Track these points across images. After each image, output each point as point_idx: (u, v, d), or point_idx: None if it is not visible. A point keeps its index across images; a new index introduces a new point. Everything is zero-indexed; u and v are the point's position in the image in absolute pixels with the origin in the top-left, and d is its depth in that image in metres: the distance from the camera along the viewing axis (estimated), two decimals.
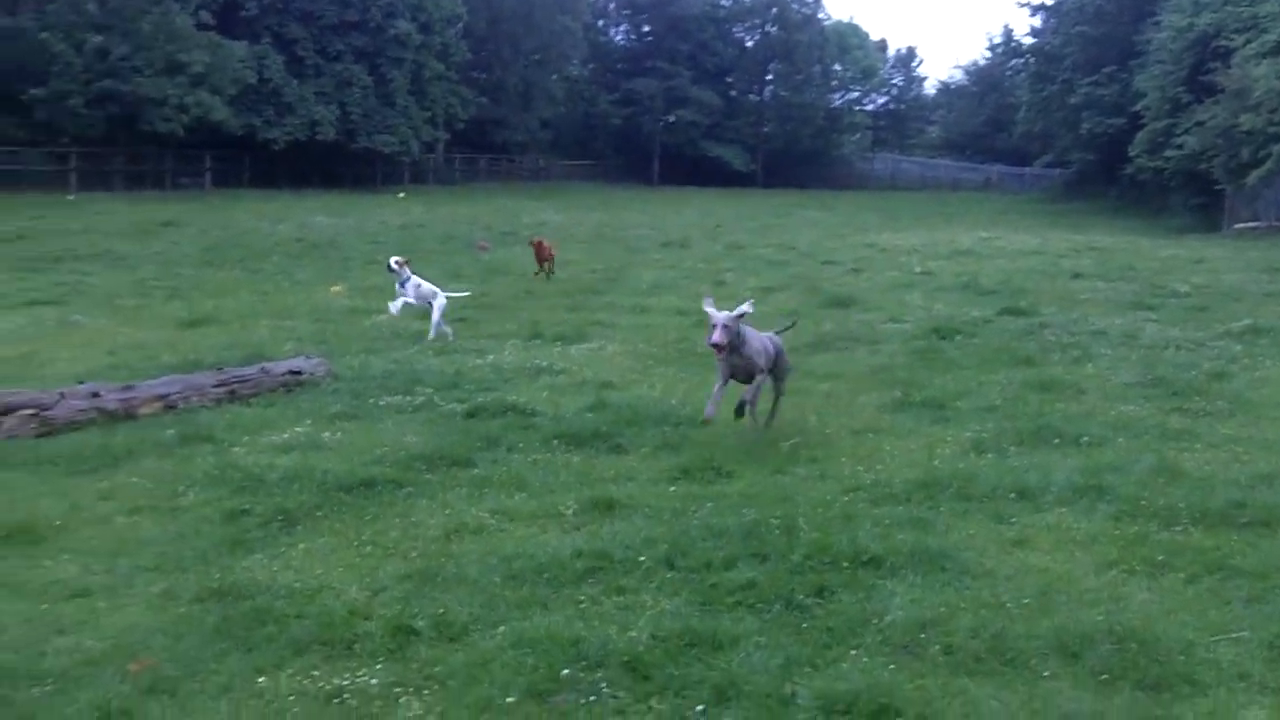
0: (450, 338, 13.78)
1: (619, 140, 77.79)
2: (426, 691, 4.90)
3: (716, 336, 8.48)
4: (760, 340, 9.15)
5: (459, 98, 60.15)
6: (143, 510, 7.42)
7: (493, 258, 22.96)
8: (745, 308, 8.82)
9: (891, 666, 5.15)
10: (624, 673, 5.05)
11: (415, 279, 14.30)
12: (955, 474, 7.99)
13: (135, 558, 6.57)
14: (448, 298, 14.33)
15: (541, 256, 19.81)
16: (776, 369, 9.46)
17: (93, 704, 4.71)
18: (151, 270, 20.29)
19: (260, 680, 5.04)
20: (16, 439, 8.87)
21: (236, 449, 8.72)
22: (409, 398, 10.34)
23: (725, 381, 8.92)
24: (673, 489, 7.68)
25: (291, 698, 4.89)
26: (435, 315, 13.97)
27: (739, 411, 9.06)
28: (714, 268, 21.81)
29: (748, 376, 9.03)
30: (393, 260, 14.52)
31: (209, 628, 5.56)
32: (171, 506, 7.50)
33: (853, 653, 5.29)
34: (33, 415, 9.13)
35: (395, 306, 14.26)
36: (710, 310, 8.72)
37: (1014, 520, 7.14)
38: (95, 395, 9.62)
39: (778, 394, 9.58)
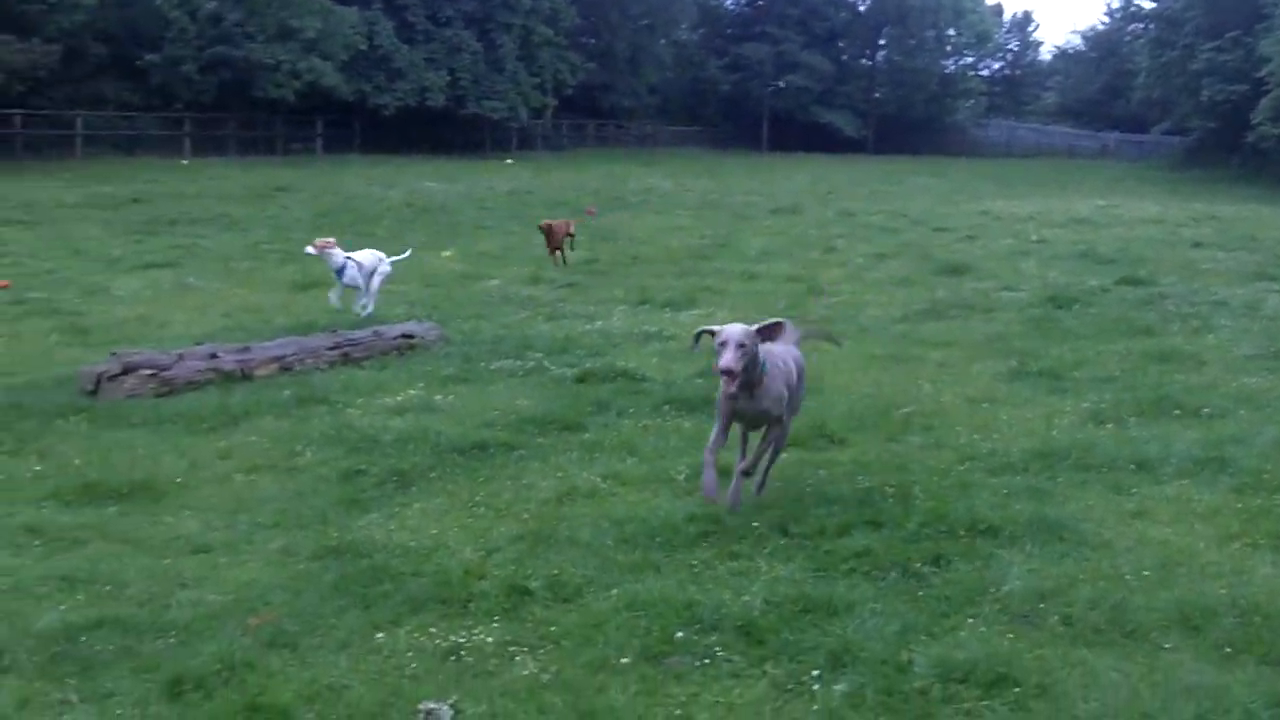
0: (368, 309, 12.55)
1: (728, 106, 77.36)
2: (541, 650, 4.92)
3: (728, 359, 6.10)
4: (784, 367, 6.71)
5: (567, 63, 60.23)
6: (261, 469, 7.53)
7: (600, 223, 22.97)
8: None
9: (1010, 636, 5.08)
10: (738, 637, 5.03)
11: (353, 257, 12.53)
12: (1073, 444, 7.85)
13: (254, 515, 6.67)
14: (392, 263, 13.05)
15: (553, 242, 17.28)
16: (791, 399, 6.92)
17: (216, 656, 4.78)
18: (264, 234, 20.59)
19: (378, 636, 5.09)
20: (136, 398, 9.04)
21: (351, 410, 8.81)
22: (519, 362, 10.38)
23: (725, 431, 6.64)
24: (784, 455, 7.62)
25: (409, 653, 4.93)
26: (375, 283, 12.66)
27: (756, 481, 6.90)
28: (824, 234, 21.65)
29: (755, 425, 6.82)
30: (309, 248, 12.64)
31: (327, 584, 5.63)
32: (289, 466, 7.60)
33: (970, 621, 5.22)
34: (152, 375, 9.30)
35: (334, 295, 12.68)
36: (717, 326, 6.30)
37: (1134, 492, 7.00)
38: (213, 356, 9.78)
39: (777, 439, 6.88)
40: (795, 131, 74.63)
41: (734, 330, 6.19)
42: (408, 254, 13.76)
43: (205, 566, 5.93)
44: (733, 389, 6.28)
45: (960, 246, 20.14)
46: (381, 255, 12.85)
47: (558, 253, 17.22)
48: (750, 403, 6.48)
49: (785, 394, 6.60)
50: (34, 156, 37.19)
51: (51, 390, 9.31)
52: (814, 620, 5.17)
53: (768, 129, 75.46)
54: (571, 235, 17.66)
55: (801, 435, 8.02)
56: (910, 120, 79.73)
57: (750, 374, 6.30)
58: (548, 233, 17.21)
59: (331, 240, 12.60)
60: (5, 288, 14.30)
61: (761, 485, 6.92)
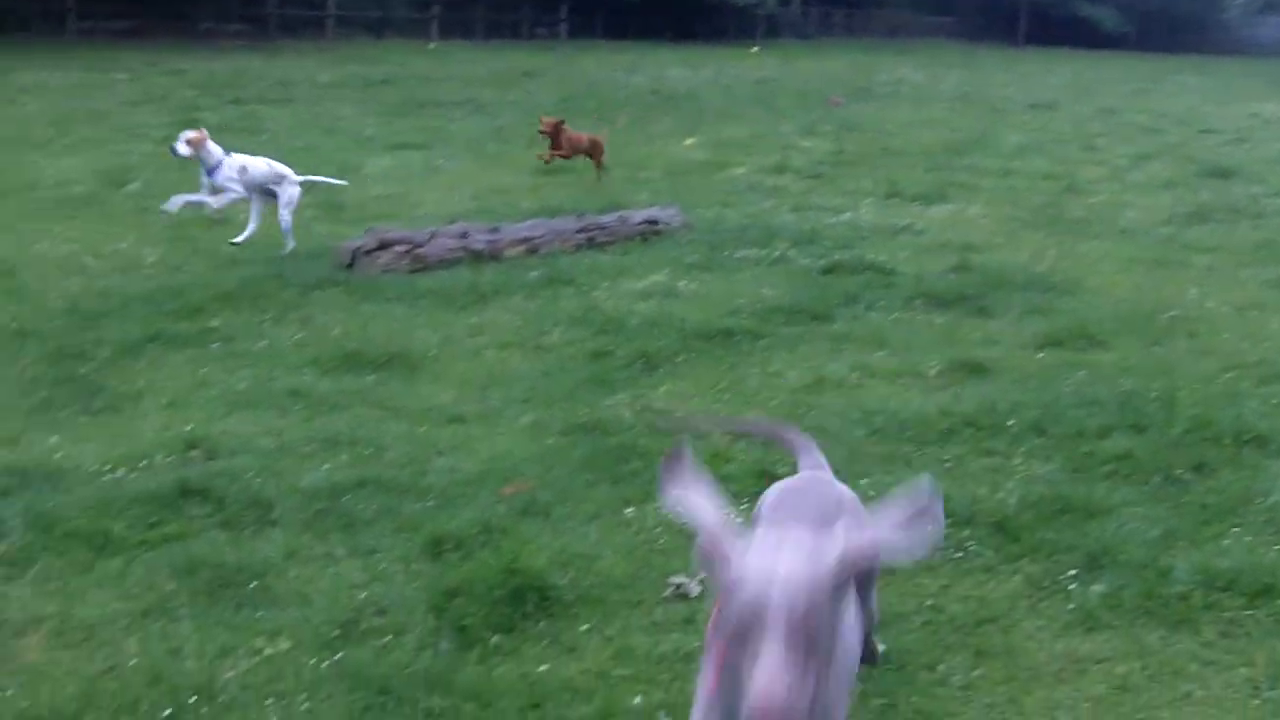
0: (288, 245, 10.04)
1: None
2: None
3: (772, 675, 2.19)
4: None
5: None
6: (510, 346, 7.67)
7: (847, 113, 22.53)
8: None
9: (1276, 548, 4.87)
10: (992, 533, 4.94)
11: (237, 159, 9.83)
12: None
13: (506, 389, 6.80)
14: (305, 184, 10.28)
15: (562, 152, 14.15)
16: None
17: (474, 520, 4.92)
18: (510, 118, 20.77)
19: (627, 511, 5.16)
20: (391, 273, 9.28)
21: (597, 293, 8.88)
22: (765, 251, 10.27)
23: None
24: (1041, 355, 7.40)
25: (658, 529, 4.98)
26: (283, 212, 9.95)
27: None
28: (1083, 132, 20.83)
29: None
30: (179, 144, 9.77)
31: (576, 459, 5.72)
32: (537, 344, 7.72)
33: (1234, 531, 5.02)
34: (407, 251, 9.52)
35: (215, 201, 9.89)
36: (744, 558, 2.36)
37: None
38: (464, 235, 9.96)
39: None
40: (1053, 25, 71.64)
41: (784, 590, 2.27)
42: (334, 181, 11.13)
43: (459, 436, 6.08)
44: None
45: (1227, 149, 19.12)
46: (285, 171, 10.11)
47: (556, 159, 14.19)
48: None
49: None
50: (288, 36, 38.35)
51: (309, 263, 9.61)
52: (1071, 521, 5.04)
53: (1025, 21, 72.74)
54: (591, 154, 14.39)
55: (1061, 335, 7.78)
56: (1176, 17, 75.77)
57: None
58: (553, 136, 14.04)
59: (204, 134, 9.86)
60: None
61: None
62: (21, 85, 21.91)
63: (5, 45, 28.90)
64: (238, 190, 9.78)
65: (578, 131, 14.51)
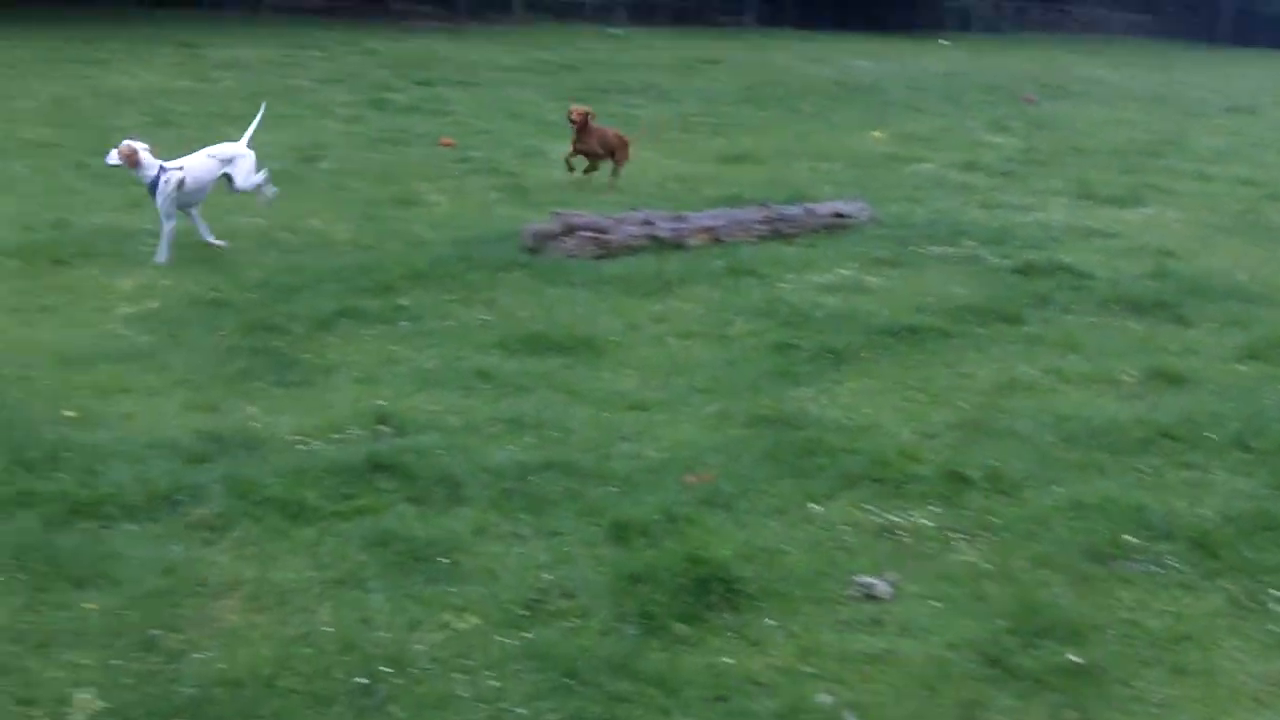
0: (267, 197, 9.83)
1: None
2: (980, 539, 4.82)
3: None
4: None
5: None
6: (694, 335, 7.66)
7: (1039, 111, 22.03)
8: None
9: None
10: (1191, 548, 4.80)
11: (174, 174, 8.81)
12: None
13: (689, 378, 6.79)
14: (252, 131, 9.65)
15: (582, 144, 12.49)
16: None
17: (657, 507, 4.93)
18: (694, 106, 20.73)
19: (811, 506, 5.12)
20: (576, 258, 9.34)
21: (781, 285, 8.81)
22: (953, 249, 10.09)
23: None
24: (1243, 368, 7.15)
25: (844, 526, 4.94)
26: (248, 182, 9.48)
27: None
28: None
29: None
30: (110, 155, 8.96)
31: (760, 451, 5.68)
32: (721, 334, 7.70)
33: None
34: (592, 237, 9.56)
35: (165, 243, 8.95)
36: None
37: None
38: (648, 223, 9.97)
39: None
40: (1260, 24, 69.02)
41: None
42: (259, 115, 10.02)
43: (643, 422, 6.09)
44: None
45: None
46: (224, 153, 9.42)
47: (583, 159, 12.64)
48: None
49: None
50: (476, 19, 38.85)
51: (494, 245, 9.69)
52: (1274, 539, 4.88)
53: (1227, 21, 70.21)
54: (614, 154, 12.70)
55: (1262, 347, 7.50)
56: None
57: None
58: (580, 129, 12.40)
59: (137, 147, 8.92)
60: (450, 146, 15.00)
61: None
62: (217, 61, 22.54)
63: (201, 22, 29.81)
64: (167, 215, 8.91)
65: (609, 129, 13.02)
